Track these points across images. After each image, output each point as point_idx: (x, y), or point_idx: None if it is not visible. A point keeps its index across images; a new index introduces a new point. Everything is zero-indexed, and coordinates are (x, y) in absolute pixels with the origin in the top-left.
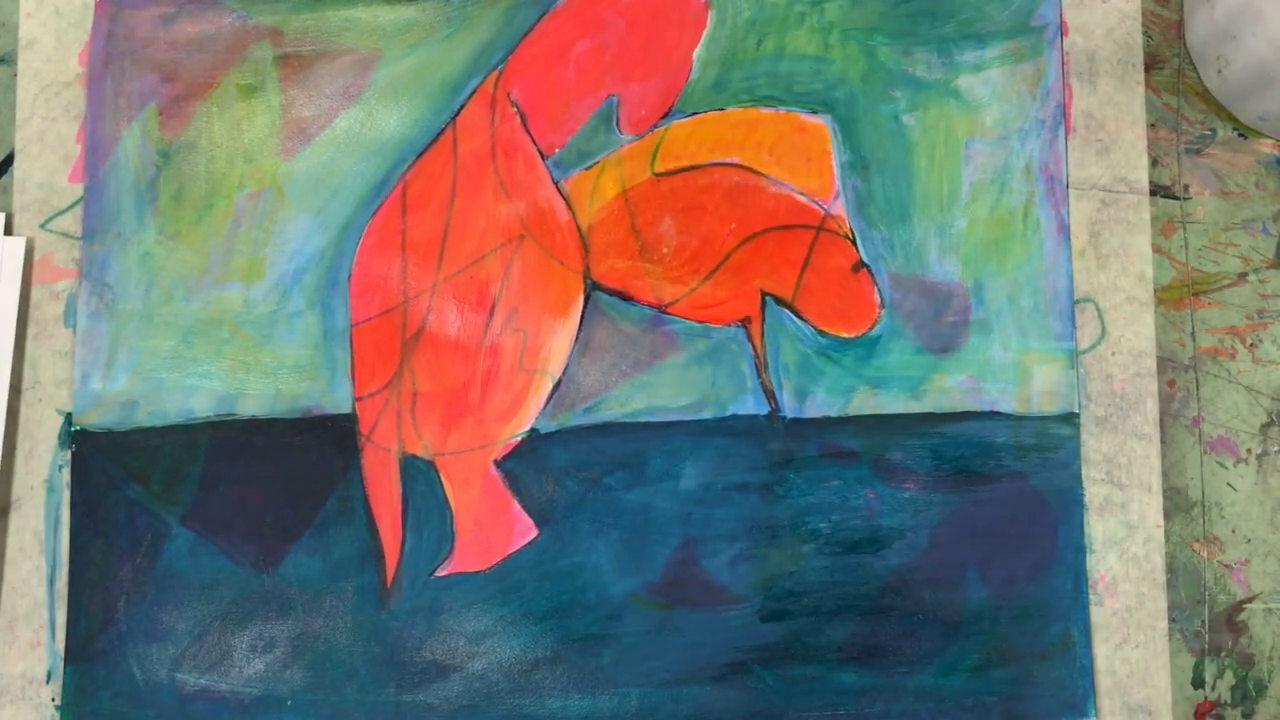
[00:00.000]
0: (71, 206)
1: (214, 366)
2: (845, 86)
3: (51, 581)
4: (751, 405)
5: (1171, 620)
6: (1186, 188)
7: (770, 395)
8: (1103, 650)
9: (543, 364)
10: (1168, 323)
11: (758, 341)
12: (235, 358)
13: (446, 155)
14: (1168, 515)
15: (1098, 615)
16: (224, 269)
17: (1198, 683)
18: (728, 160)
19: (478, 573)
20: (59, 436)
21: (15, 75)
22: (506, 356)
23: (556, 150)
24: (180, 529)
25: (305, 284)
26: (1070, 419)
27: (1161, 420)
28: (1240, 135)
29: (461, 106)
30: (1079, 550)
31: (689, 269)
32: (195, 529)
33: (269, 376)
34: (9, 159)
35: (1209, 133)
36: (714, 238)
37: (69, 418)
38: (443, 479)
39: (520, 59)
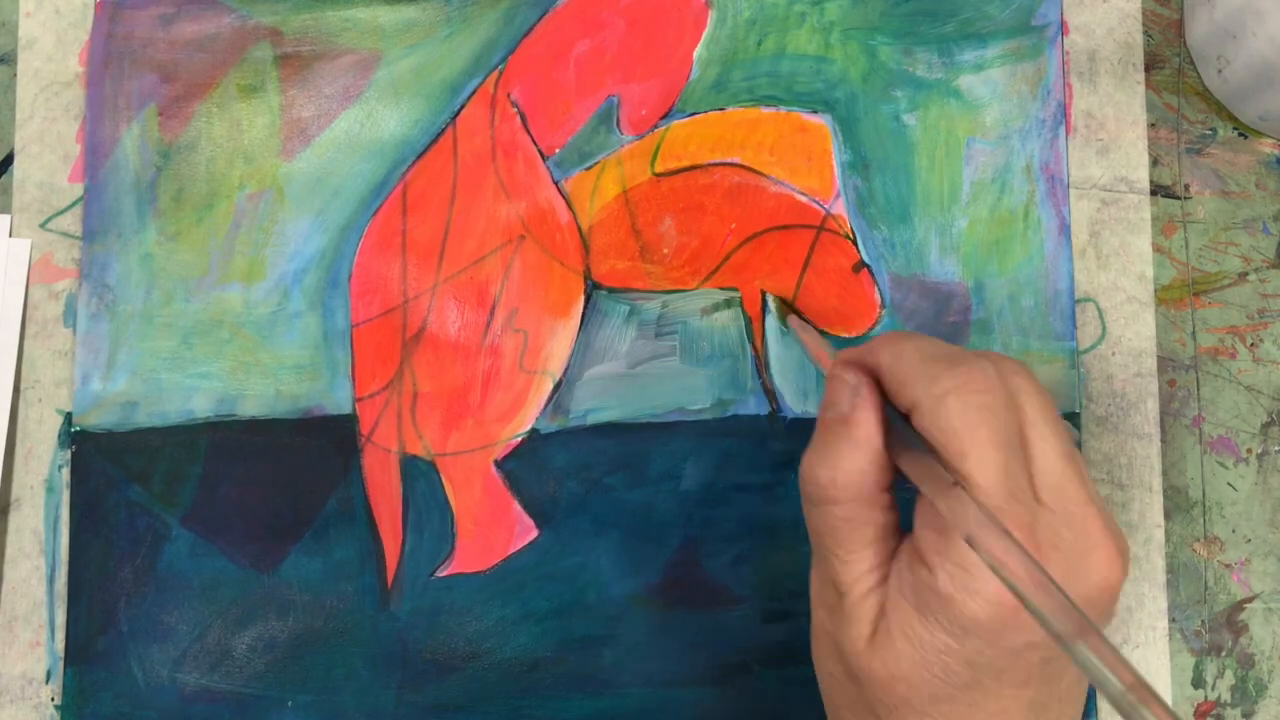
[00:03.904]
0: (71, 206)
1: (214, 367)
2: (846, 86)
3: (51, 581)
4: (752, 406)
5: (1171, 620)
6: (1187, 187)
7: (771, 396)
8: None
9: (543, 364)
10: (1168, 322)
11: (758, 341)
12: (235, 358)
13: (446, 156)
14: (1168, 515)
15: None
16: (224, 270)
17: (1198, 683)
18: (728, 160)
19: (478, 573)
20: (59, 436)
21: (15, 75)
22: (507, 357)
23: (557, 150)
24: (180, 529)
25: (305, 285)
26: (1071, 419)
27: (1162, 420)
28: (1241, 135)
29: (461, 107)
30: None
31: (689, 269)
32: (195, 530)
33: (269, 377)
34: (9, 159)
35: (1209, 132)
36: (714, 238)
37: (69, 418)
38: (443, 479)
39: (520, 59)
